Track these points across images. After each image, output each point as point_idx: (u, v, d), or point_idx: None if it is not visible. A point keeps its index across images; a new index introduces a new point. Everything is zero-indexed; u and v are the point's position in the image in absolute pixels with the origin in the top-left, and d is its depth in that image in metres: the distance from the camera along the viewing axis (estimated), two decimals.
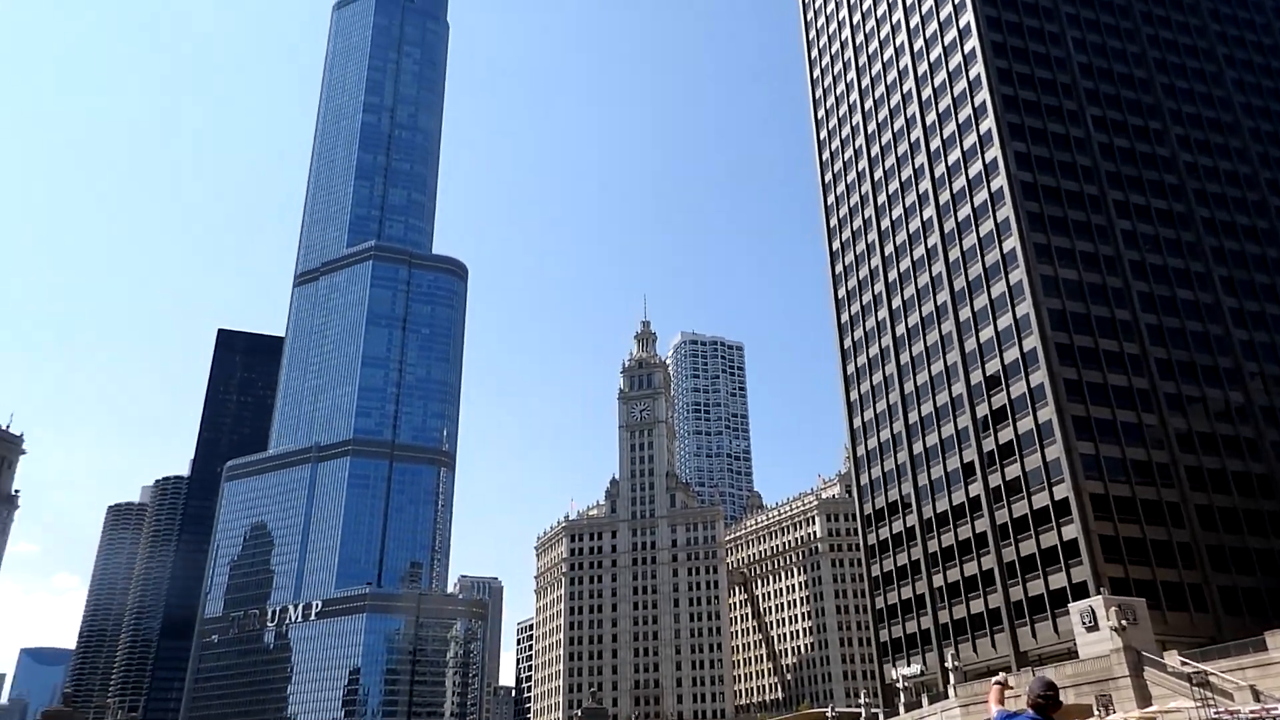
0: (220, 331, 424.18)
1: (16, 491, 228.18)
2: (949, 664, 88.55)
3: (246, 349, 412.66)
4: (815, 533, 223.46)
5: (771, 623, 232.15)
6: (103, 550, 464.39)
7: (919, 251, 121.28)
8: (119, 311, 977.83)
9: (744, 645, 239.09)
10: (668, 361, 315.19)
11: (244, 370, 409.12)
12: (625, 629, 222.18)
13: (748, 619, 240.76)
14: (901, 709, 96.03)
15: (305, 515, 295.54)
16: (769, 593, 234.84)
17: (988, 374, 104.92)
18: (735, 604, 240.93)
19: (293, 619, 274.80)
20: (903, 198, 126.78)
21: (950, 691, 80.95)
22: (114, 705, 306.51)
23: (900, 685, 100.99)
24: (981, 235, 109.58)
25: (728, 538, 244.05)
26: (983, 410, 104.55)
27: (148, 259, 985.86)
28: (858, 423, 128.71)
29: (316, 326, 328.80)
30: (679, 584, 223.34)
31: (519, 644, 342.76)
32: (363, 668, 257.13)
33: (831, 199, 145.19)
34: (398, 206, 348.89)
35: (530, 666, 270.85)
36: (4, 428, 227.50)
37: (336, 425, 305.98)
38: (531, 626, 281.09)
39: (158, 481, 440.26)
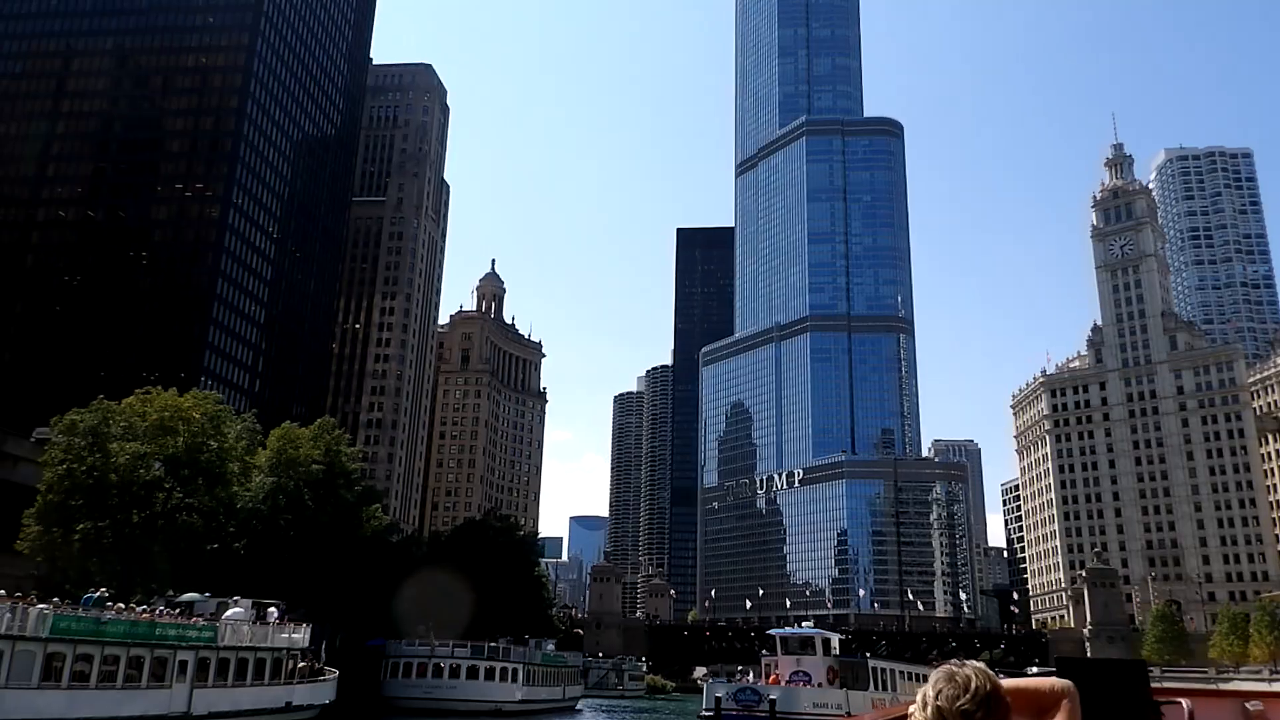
0: (679, 231, 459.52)
1: (544, 389, 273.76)
2: None
3: (703, 243, 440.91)
4: None
5: None
6: (615, 433, 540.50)
7: None
8: (600, 225, 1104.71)
9: None
10: (1150, 186, 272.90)
11: (703, 263, 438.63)
12: (1128, 486, 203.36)
13: None
14: None
15: (775, 391, 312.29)
16: None
17: None
18: (1271, 454, 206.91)
19: (779, 486, 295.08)
20: None
21: None
22: (644, 562, 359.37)
23: None
24: None
25: (1251, 379, 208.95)
26: None
27: (616, 175, 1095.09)
28: None
29: (761, 211, 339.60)
30: (1190, 435, 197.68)
31: (1005, 505, 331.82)
32: (849, 529, 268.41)
33: None
34: (823, 76, 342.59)
35: (1020, 527, 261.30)
36: (527, 337, 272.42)
37: (792, 304, 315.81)
38: (1016, 487, 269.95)
39: (648, 371, 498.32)
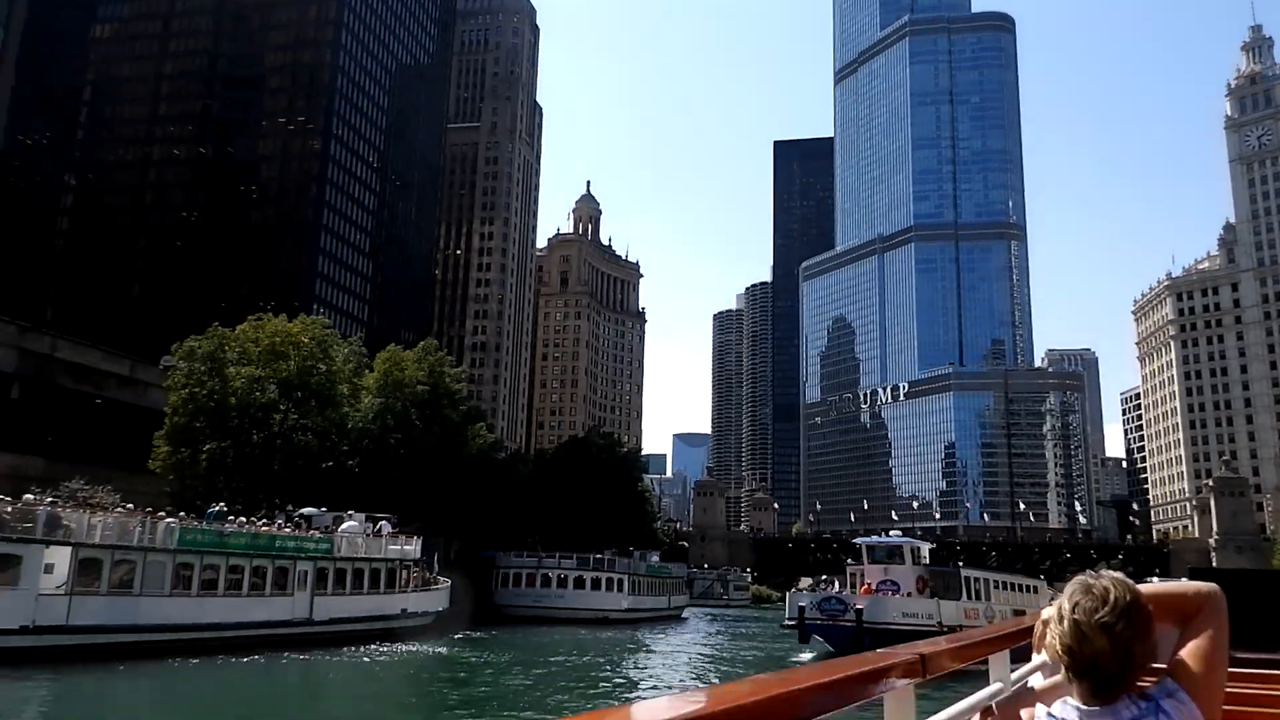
0: (775, 143, 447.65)
1: (643, 309, 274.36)
2: None
3: (801, 155, 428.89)
4: None
5: None
6: (715, 351, 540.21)
7: None
8: (695, 142, 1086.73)
9: None
10: None
11: (802, 175, 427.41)
12: (1261, 392, 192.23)
13: None
14: None
15: (879, 305, 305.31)
16: None
17: None
18: None
19: (883, 400, 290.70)
20: None
21: None
22: (747, 478, 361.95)
23: None
24: None
25: None
26: None
27: (710, 89, 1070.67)
28: None
29: (862, 118, 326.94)
30: None
31: (1124, 414, 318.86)
32: (957, 442, 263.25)
33: None
34: None
35: (1141, 437, 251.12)
36: (624, 258, 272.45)
37: (895, 214, 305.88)
38: (1138, 395, 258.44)
39: (747, 288, 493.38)
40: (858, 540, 59.12)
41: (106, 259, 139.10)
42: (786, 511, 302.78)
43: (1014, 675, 3.21)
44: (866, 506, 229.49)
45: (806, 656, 44.54)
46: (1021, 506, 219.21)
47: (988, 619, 45.57)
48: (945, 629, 41.53)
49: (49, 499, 34.77)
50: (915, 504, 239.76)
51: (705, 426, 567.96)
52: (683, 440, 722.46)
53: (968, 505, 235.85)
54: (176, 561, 34.02)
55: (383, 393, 66.26)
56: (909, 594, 47.56)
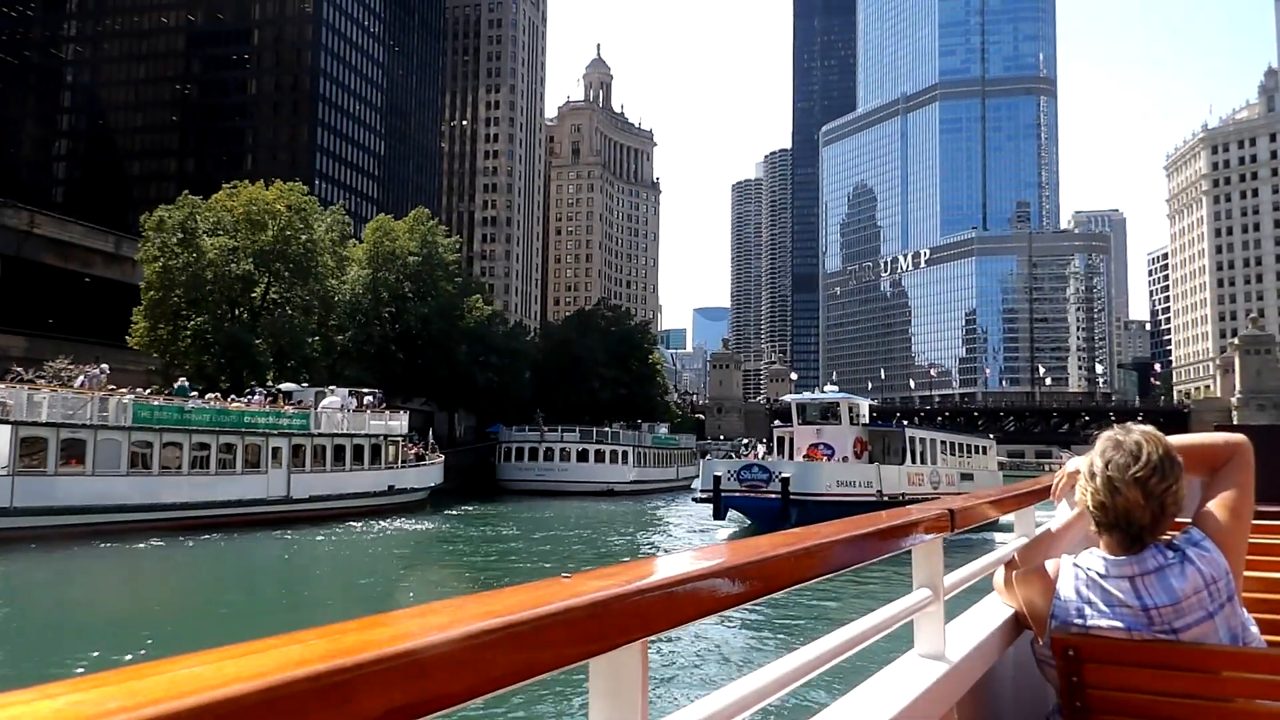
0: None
1: (657, 179, 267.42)
2: None
3: (823, 10, 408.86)
4: None
5: None
6: (734, 223, 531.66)
7: None
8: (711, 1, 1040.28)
9: None
10: None
11: (823, 34, 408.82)
12: None
13: None
14: None
15: (901, 168, 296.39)
16: None
17: None
18: None
19: (904, 267, 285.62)
20: None
21: None
22: (767, 350, 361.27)
23: None
24: None
25: None
26: None
27: None
28: None
29: None
30: None
31: (1150, 275, 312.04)
32: (978, 308, 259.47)
33: None
34: None
35: (1167, 298, 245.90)
36: (638, 126, 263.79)
37: (920, 71, 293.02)
38: (1165, 255, 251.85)
39: (766, 156, 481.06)
40: (787, 397, 52.56)
41: (106, 138, 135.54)
42: (805, 382, 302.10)
43: (1038, 531, 3.31)
44: (884, 375, 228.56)
45: (723, 535, 38.32)
46: (1041, 371, 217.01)
47: (933, 485, 40.96)
48: (886, 499, 36.98)
49: (28, 378, 33.18)
50: (934, 372, 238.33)
51: (726, 300, 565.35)
52: (703, 314, 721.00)
53: (986, 371, 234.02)
54: (132, 439, 32.53)
55: (373, 264, 63.84)
56: (844, 459, 41.02)
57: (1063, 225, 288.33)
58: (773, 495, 37.11)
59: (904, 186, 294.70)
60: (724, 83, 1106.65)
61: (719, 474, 39.35)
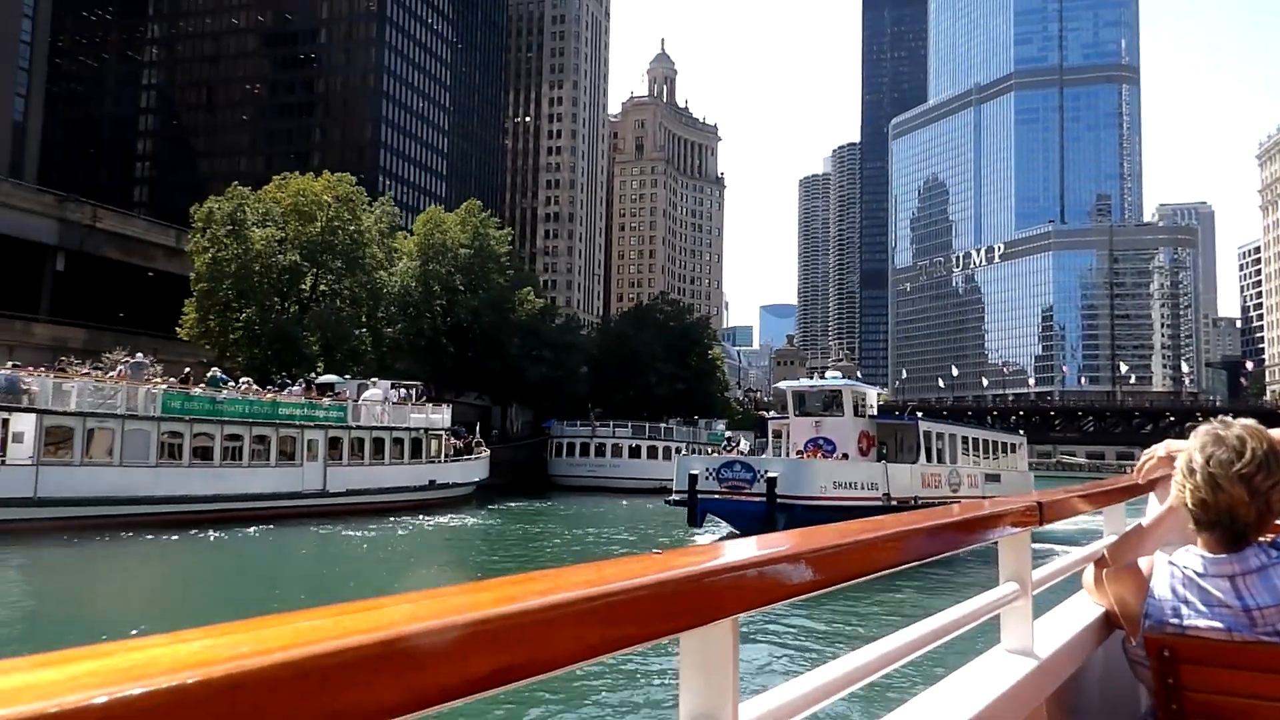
0: None
1: (722, 174, 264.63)
2: None
3: (892, 1, 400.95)
4: None
5: None
6: (801, 219, 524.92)
7: None
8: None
9: None
10: None
11: (892, 25, 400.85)
12: None
13: None
14: None
15: (975, 161, 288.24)
16: None
17: None
18: None
19: (977, 263, 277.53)
20: None
21: None
22: (834, 348, 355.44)
23: None
24: None
25: None
26: None
27: None
28: None
29: None
30: None
31: (1241, 270, 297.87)
32: (1055, 304, 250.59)
33: None
34: None
35: (1259, 294, 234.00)
36: (702, 121, 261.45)
37: (994, 60, 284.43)
38: (1258, 249, 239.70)
39: (834, 150, 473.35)
40: (782, 384, 42.35)
41: (182, 138, 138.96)
42: (873, 379, 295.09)
43: (1128, 528, 3.14)
44: (956, 373, 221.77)
45: (702, 542, 32.77)
46: (1123, 369, 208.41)
47: (952, 487, 35.34)
48: (894, 504, 31.24)
49: (85, 370, 33.03)
50: (1008, 369, 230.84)
51: (793, 298, 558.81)
52: (770, 312, 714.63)
53: (1064, 369, 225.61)
54: (162, 430, 32.04)
55: (423, 256, 63.28)
56: (845, 455, 35.09)
57: (1146, 218, 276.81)
58: (756, 498, 31.59)
59: (977, 179, 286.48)
60: (790, 77, 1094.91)
61: (695, 472, 33.12)
